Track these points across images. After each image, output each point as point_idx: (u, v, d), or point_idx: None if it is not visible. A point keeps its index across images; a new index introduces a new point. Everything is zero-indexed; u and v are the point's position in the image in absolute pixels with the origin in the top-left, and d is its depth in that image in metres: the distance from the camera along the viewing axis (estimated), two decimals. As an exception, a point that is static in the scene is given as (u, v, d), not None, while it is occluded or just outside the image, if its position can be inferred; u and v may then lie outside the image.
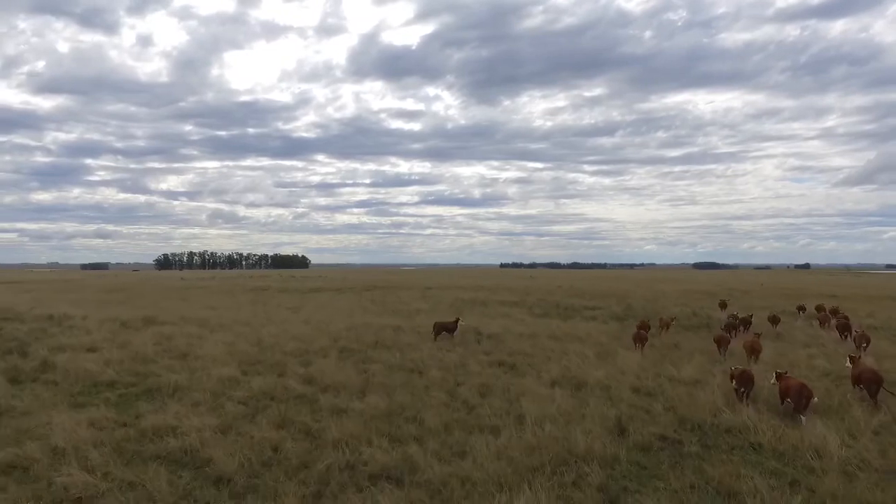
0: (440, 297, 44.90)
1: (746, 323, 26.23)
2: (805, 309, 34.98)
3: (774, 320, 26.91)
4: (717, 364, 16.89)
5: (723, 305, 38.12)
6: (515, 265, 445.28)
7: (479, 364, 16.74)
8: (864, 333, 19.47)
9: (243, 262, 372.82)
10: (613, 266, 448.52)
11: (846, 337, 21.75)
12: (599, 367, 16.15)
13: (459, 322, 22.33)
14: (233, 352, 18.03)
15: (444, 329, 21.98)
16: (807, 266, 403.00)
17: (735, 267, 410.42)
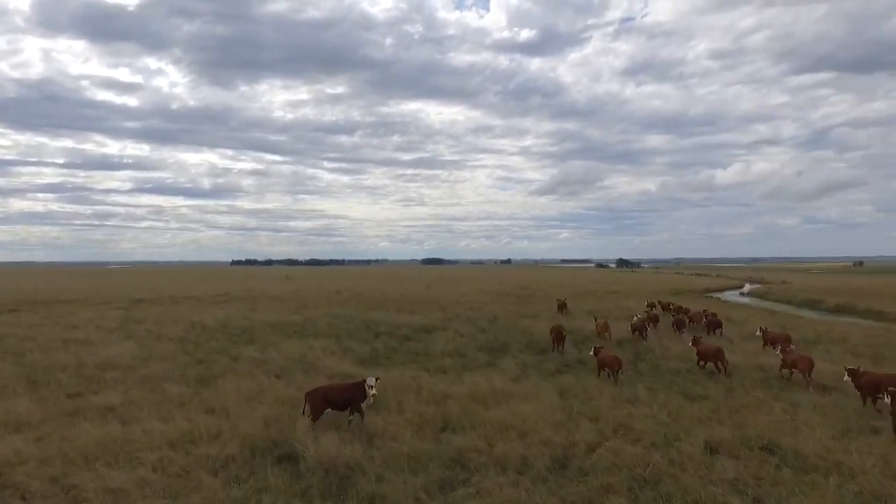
0: (160, 322, 25.61)
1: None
2: (667, 307, 32.40)
3: (680, 325, 23.49)
4: None
5: (562, 307, 30.55)
6: (249, 262, 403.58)
7: None
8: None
9: None
10: (351, 262, 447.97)
11: (719, 333, 22.68)
12: None
13: (369, 387, 10.84)
14: None
15: (348, 404, 10.63)
16: (509, 261, 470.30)
17: (455, 262, 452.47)
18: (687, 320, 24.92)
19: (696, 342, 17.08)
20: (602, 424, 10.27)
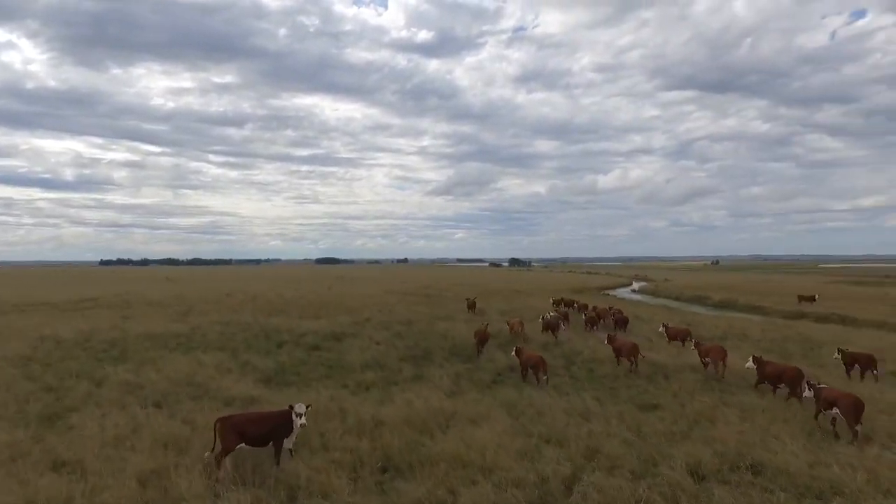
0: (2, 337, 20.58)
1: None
2: (571, 305, 33.41)
3: (592, 322, 24.86)
4: None
5: (472, 307, 29.91)
6: (122, 262, 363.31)
7: None
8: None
9: None
10: (239, 262, 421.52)
11: (624, 328, 23.46)
12: None
13: (297, 415, 8.35)
14: None
15: (269, 439, 8.30)
16: (405, 261, 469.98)
17: (351, 262, 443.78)
18: (598, 318, 25.34)
19: (611, 340, 17.58)
20: (568, 450, 8.86)
